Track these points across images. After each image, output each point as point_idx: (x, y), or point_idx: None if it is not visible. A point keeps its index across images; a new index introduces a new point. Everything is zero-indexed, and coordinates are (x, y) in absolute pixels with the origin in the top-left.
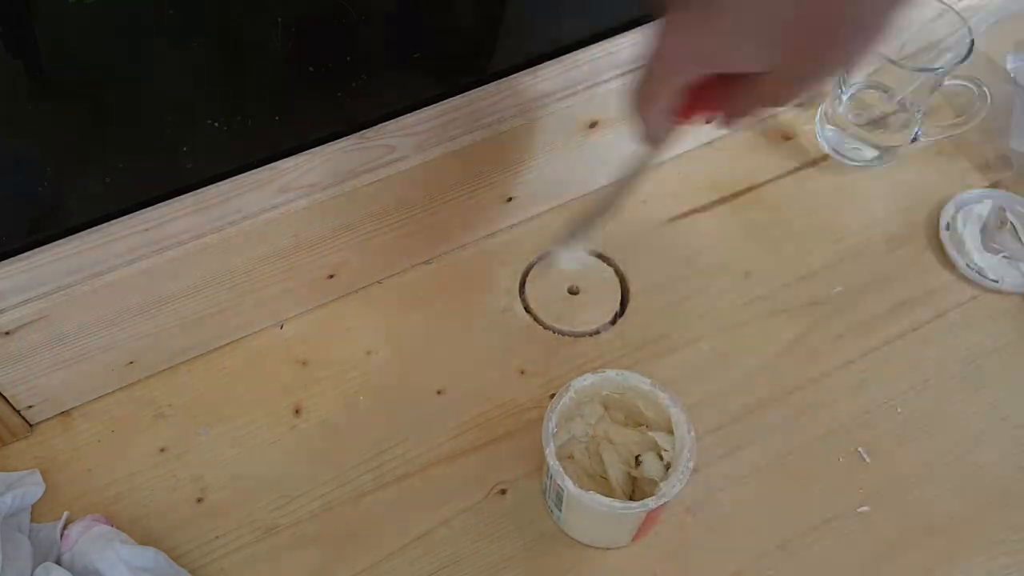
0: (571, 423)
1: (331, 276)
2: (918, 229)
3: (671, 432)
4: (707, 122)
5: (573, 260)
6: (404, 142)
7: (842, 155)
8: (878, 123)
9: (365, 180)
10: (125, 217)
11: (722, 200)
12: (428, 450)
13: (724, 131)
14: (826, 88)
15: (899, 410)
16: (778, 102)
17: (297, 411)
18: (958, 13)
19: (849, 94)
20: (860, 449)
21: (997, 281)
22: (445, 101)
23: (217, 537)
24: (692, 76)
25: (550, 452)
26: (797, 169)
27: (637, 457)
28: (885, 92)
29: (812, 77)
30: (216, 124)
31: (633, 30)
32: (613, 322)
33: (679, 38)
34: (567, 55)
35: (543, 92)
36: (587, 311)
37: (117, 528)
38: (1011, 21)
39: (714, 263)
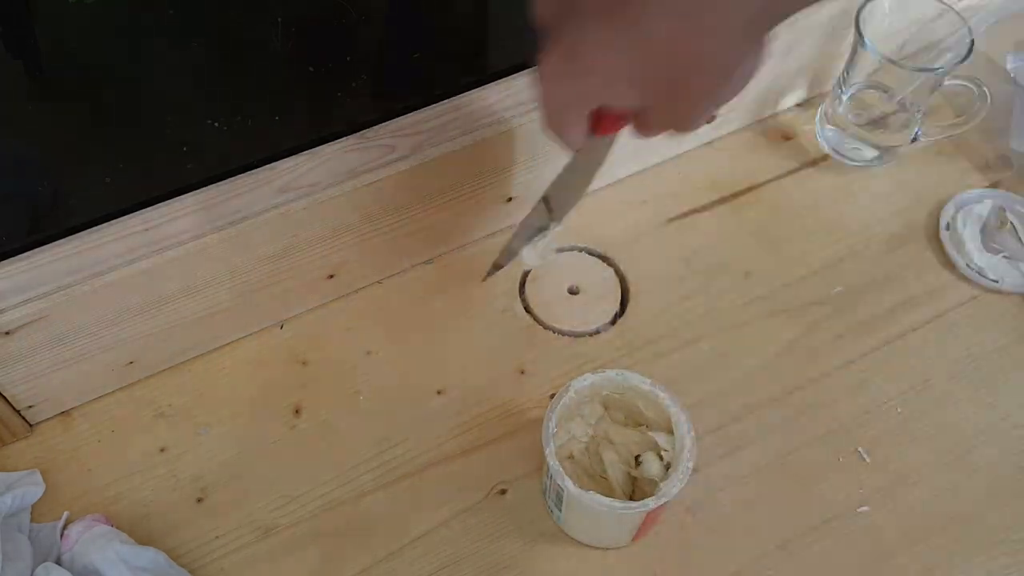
0: (571, 423)
1: (331, 276)
2: (918, 229)
3: (671, 432)
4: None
5: (535, 257)
6: (404, 142)
7: (842, 155)
8: (878, 123)
9: (365, 180)
10: (125, 217)
11: (722, 200)
12: (428, 450)
13: (724, 131)
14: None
15: (899, 410)
16: (675, 130)
17: (297, 411)
18: (958, 13)
19: (849, 94)
20: (860, 449)
21: (997, 281)
22: (445, 101)
23: (217, 537)
24: (581, 112)
25: (550, 452)
26: (797, 169)
27: (637, 457)
28: (885, 92)
29: (687, 115)
30: (216, 124)
31: None
32: (613, 322)
33: (554, 85)
34: None
35: None
36: (587, 311)
37: (117, 528)
38: (1011, 21)
39: (714, 263)
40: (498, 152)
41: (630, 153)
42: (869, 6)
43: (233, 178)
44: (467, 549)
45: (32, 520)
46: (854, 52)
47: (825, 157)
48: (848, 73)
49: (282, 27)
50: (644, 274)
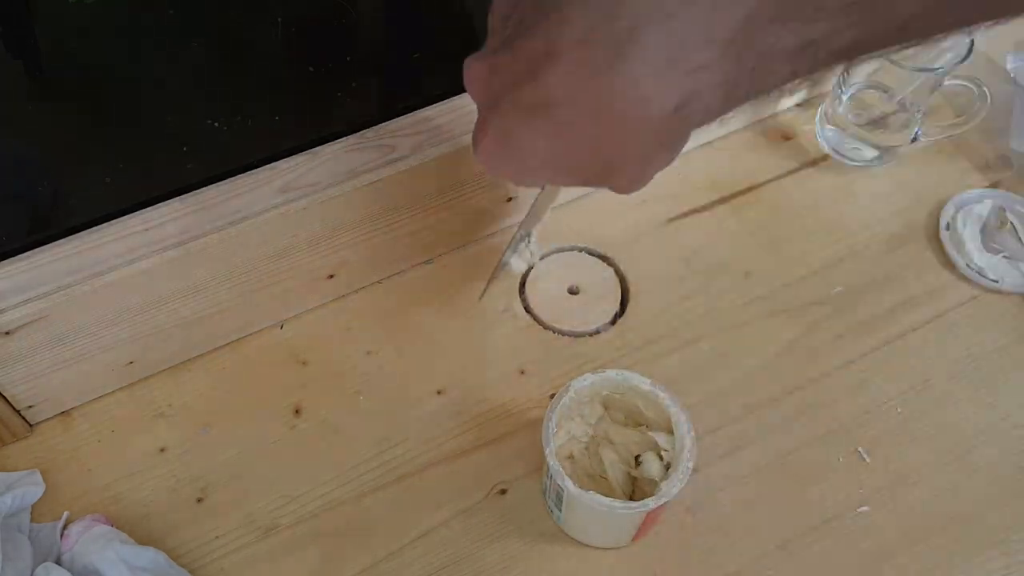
0: (571, 423)
1: (331, 276)
2: (918, 229)
3: (671, 432)
4: None
5: (522, 264)
6: (404, 142)
7: (842, 155)
8: (878, 123)
9: (365, 180)
10: (125, 217)
11: (722, 200)
12: (428, 450)
13: (724, 131)
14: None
15: (899, 410)
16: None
17: (297, 411)
18: None
19: (849, 94)
20: (860, 449)
21: (997, 281)
22: (445, 101)
23: (217, 537)
24: (523, 184)
25: (550, 452)
26: (797, 169)
27: (637, 457)
28: (885, 92)
29: (623, 190)
30: (216, 124)
31: None
32: (613, 322)
33: (491, 164)
34: None
35: None
36: (587, 311)
37: (117, 528)
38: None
39: (714, 263)
40: None
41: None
42: None
43: (233, 178)
44: (467, 549)
45: (32, 520)
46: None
47: (825, 157)
48: (848, 73)
49: (282, 27)
50: (644, 274)
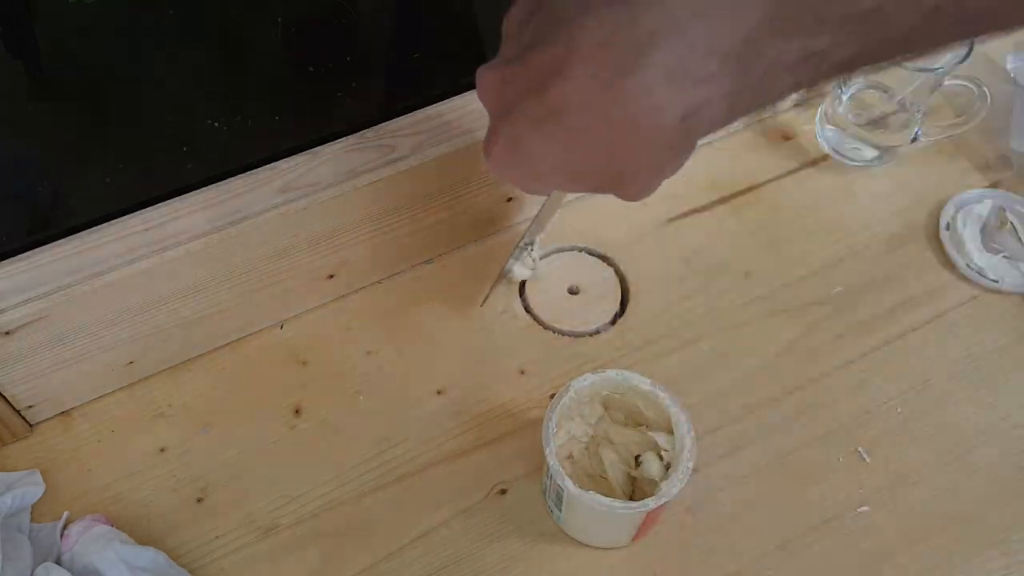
0: (571, 423)
1: (331, 276)
2: (918, 229)
3: (671, 432)
4: None
5: (525, 271)
6: (404, 142)
7: (842, 155)
8: (878, 123)
9: (365, 180)
10: (125, 217)
11: (722, 200)
12: (428, 450)
13: (724, 131)
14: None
15: (899, 410)
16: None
17: (297, 411)
18: None
19: (849, 94)
20: (860, 449)
21: (997, 281)
22: (445, 101)
23: (217, 537)
24: (531, 190)
25: (550, 452)
26: (797, 169)
27: (637, 457)
28: (885, 92)
29: (632, 198)
30: (216, 124)
31: None
32: (613, 322)
33: (501, 170)
34: None
35: None
36: (587, 311)
37: (117, 528)
38: None
39: (714, 263)
40: None
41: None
42: None
43: (233, 178)
44: (467, 549)
45: (32, 520)
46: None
47: (825, 157)
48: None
49: (282, 27)
50: (644, 274)
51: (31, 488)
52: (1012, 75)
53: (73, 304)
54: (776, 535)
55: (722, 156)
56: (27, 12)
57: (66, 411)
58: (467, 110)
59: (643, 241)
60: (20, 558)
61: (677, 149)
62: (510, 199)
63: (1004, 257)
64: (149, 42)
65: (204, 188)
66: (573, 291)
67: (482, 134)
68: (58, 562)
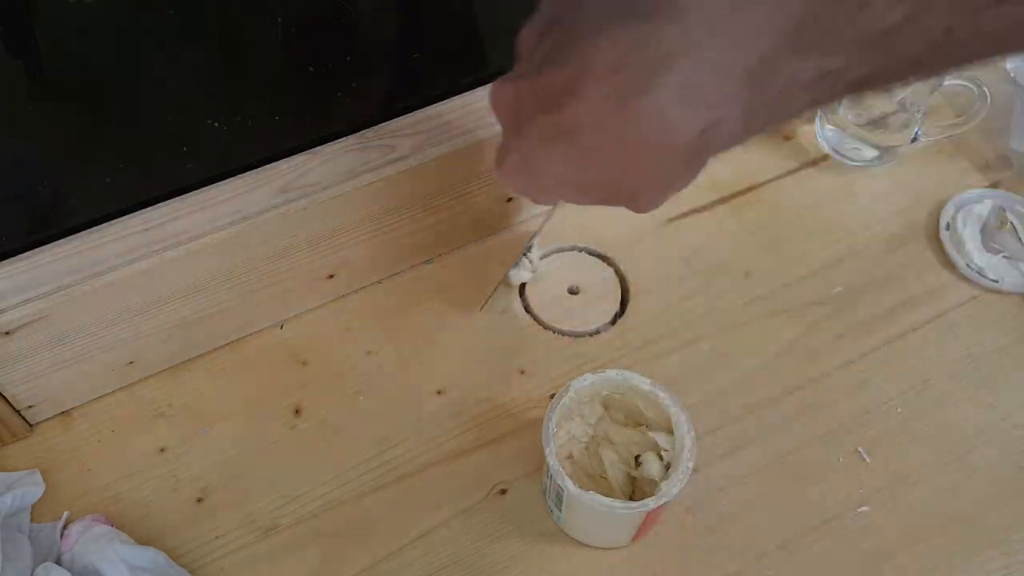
0: (571, 423)
1: (331, 276)
2: (918, 229)
3: (671, 432)
4: None
5: (524, 274)
6: (404, 142)
7: (842, 155)
8: (878, 123)
9: (365, 180)
10: (125, 217)
11: (722, 200)
12: (428, 450)
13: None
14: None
15: (899, 410)
16: (653, 205)
17: (297, 411)
18: None
19: None
20: (860, 449)
21: (997, 281)
22: (445, 101)
23: (217, 537)
24: (541, 201)
25: (550, 452)
26: (797, 169)
27: (637, 457)
28: (885, 92)
29: (641, 210)
30: (216, 124)
31: None
32: (613, 322)
33: (513, 181)
34: None
35: None
36: (587, 311)
37: (117, 528)
38: None
39: (714, 263)
40: None
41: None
42: None
43: (233, 178)
44: (467, 549)
45: (32, 520)
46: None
47: (825, 157)
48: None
49: (282, 27)
50: (644, 274)
51: (31, 488)
52: (1012, 75)
53: (73, 304)
54: (776, 535)
55: (722, 156)
56: (27, 12)
57: (66, 411)
58: (467, 110)
59: (643, 241)
60: (20, 558)
61: (689, 167)
62: (510, 199)
63: (1004, 257)
64: (149, 42)
65: (204, 188)
66: (573, 291)
67: (482, 134)
68: (58, 562)
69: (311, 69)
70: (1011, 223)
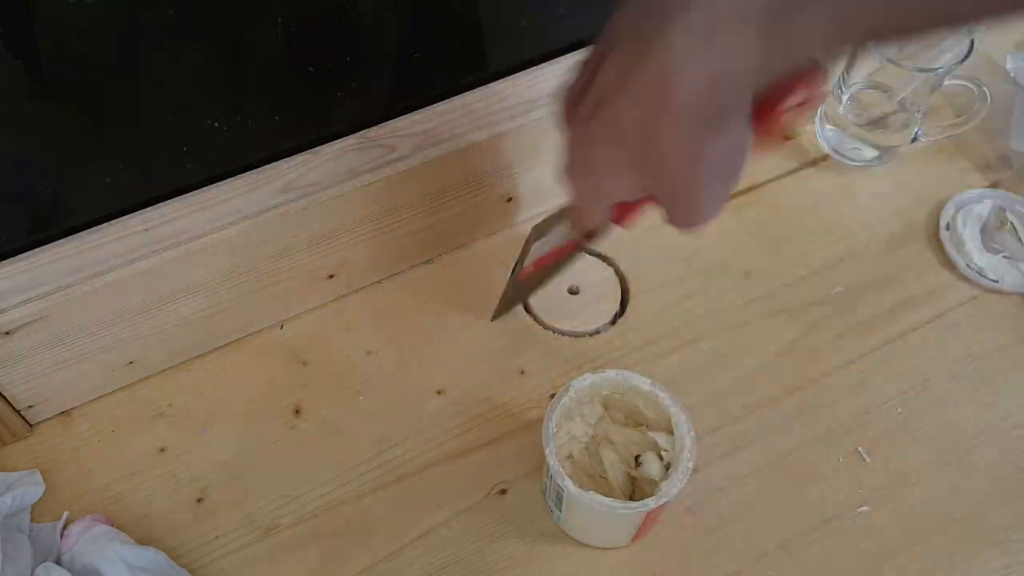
0: (571, 423)
1: (331, 276)
2: (918, 229)
3: (671, 432)
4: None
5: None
6: (404, 142)
7: (842, 155)
8: (878, 123)
9: (365, 180)
10: (125, 217)
11: None
12: (428, 450)
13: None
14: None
15: (899, 410)
16: (685, 224)
17: (297, 411)
18: None
19: (849, 94)
20: (860, 449)
21: (997, 281)
22: (445, 101)
23: (217, 537)
24: (606, 203)
25: (550, 452)
26: (797, 169)
27: (637, 457)
28: (885, 92)
29: (689, 207)
30: (216, 124)
31: None
32: (613, 322)
33: (571, 176)
34: (566, 55)
35: (543, 92)
36: (587, 311)
37: (117, 528)
38: None
39: (714, 263)
40: (498, 152)
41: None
42: None
43: (233, 178)
44: (467, 549)
45: (32, 520)
46: (854, 52)
47: (825, 157)
48: (848, 73)
49: (282, 27)
50: (644, 274)
51: (31, 488)
52: (1012, 75)
53: (73, 304)
54: (776, 535)
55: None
56: (27, 12)
57: (66, 411)
58: (467, 110)
59: (643, 241)
60: (20, 558)
61: (711, 123)
62: (510, 199)
63: (1004, 257)
64: (149, 42)
65: (204, 188)
66: (573, 291)
67: (482, 134)
68: (58, 562)
69: (311, 69)
70: (1011, 223)
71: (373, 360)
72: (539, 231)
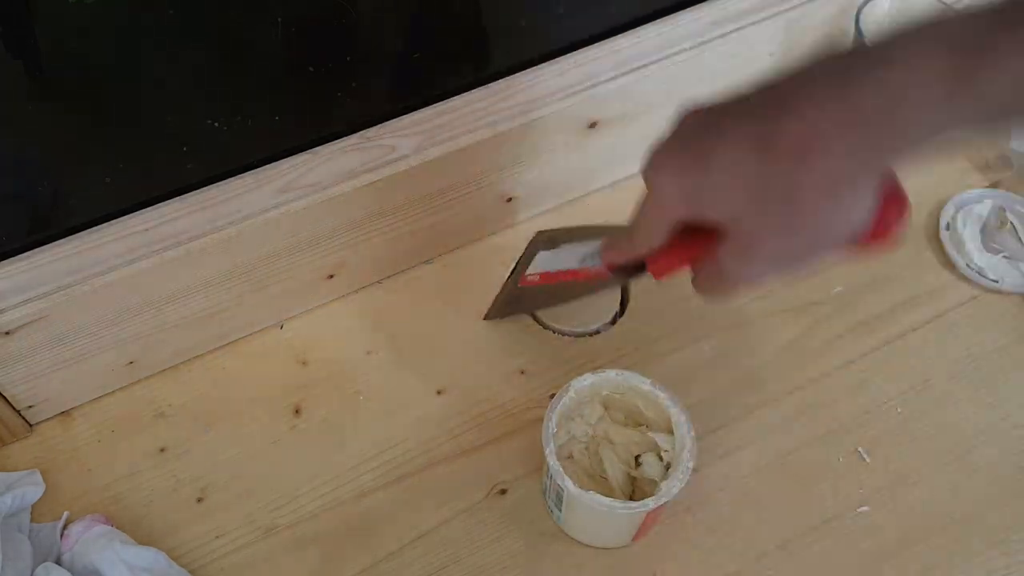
0: (571, 423)
1: (331, 276)
2: (918, 229)
3: (671, 432)
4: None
5: None
6: (404, 142)
7: None
8: None
9: (365, 180)
10: (125, 217)
11: None
12: (428, 450)
13: None
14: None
15: (899, 410)
16: (741, 276)
17: (297, 411)
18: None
19: None
20: (860, 449)
21: (997, 281)
22: (445, 101)
23: (217, 537)
24: (679, 216)
25: (550, 452)
26: None
27: (637, 457)
28: None
29: (763, 258)
30: (216, 124)
31: (632, 30)
32: (613, 322)
33: (675, 184)
34: (566, 55)
35: (543, 92)
36: (587, 311)
37: (117, 528)
38: None
39: None
40: (498, 152)
41: (630, 153)
42: (869, 6)
43: (233, 178)
44: (467, 549)
45: (32, 520)
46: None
47: None
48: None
49: (282, 27)
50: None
51: (31, 488)
52: None
53: (73, 304)
54: (776, 535)
55: None
56: (27, 12)
57: (66, 411)
58: (467, 110)
59: None
60: (20, 558)
61: (847, 178)
62: (510, 199)
63: (1004, 257)
64: (149, 42)
65: (204, 188)
66: None
67: (481, 134)
68: (58, 562)
69: (311, 69)
70: (1011, 223)
71: (373, 360)
72: (545, 240)
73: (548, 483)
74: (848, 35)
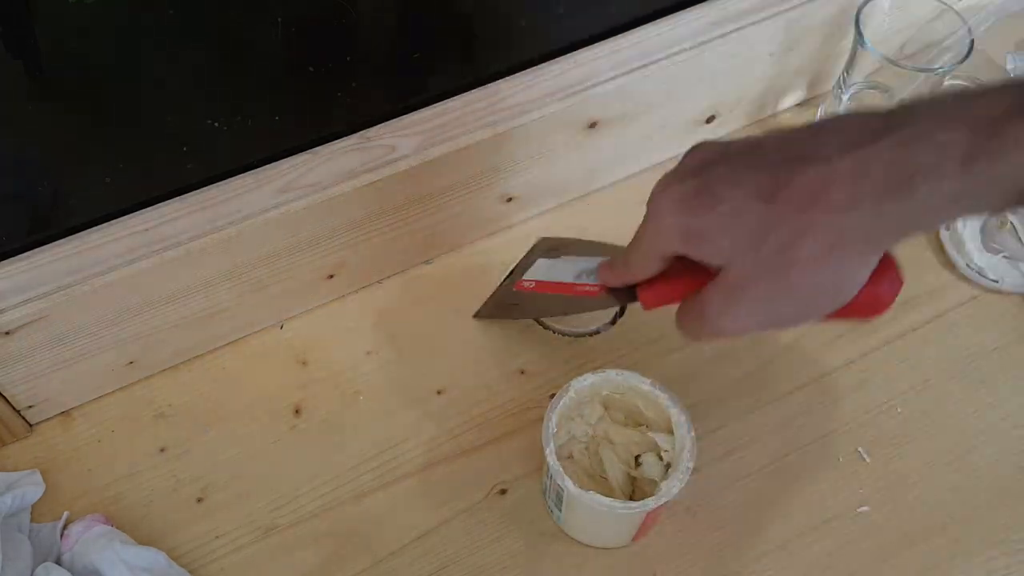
0: (571, 423)
1: (331, 276)
2: None
3: (671, 432)
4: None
5: None
6: (404, 142)
7: None
8: None
9: (365, 180)
10: (125, 217)
11: None
12: (428, 450)
13: (724, 131)
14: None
15: (899, 410)
16: (722, 321)
17: (297, 411)
18: (958, 13)
19: (849, 94)
20: (860, 449)
21: (997, 281)
22: (445, 101)
23: (217, 537)
24: (674, 249)
25: (550, 452)
26: None
27: (637, 457)
28: (885, 92)
29: (747, 304)
30: (216, 124)
31: (632, 30)
32: (613, 322)
33: (675, 217)
34: (566, 55)
35: (543, 92)
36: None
37: (117, 528)
38: (1011, 21)
39: None
40: (498, 152)
41: (630, 153)
42: (869, 6)
43: (233, 178)
44: (467, 549)
45: (32, 520)
46: (854, 52)
47: None
48: (848, 73)
49: (282, 27)
50: None
51: (31, 488)
52: (1012, 75)
53: (73, 304)
54: (776, 535)
55: None
56: (27, 12)
57: (66, 411)
58: (467, 110)
59: None
60: (20, 558)
61: (852, 236)
62: (510, 199)
63: (1004, 257)
64: (149, 42)
65: (204, 188)
66: None
67: (481, 134)
68: (58, 562)
69: (311, 69)
70: (1011, 223)
71: (373, 360)
72: (547, 247)
73: (548, 483)
74: (848, 36)
